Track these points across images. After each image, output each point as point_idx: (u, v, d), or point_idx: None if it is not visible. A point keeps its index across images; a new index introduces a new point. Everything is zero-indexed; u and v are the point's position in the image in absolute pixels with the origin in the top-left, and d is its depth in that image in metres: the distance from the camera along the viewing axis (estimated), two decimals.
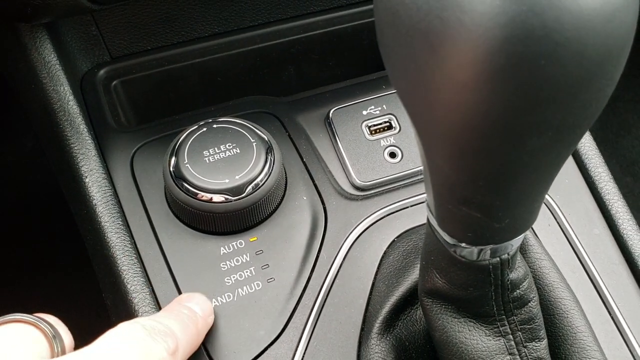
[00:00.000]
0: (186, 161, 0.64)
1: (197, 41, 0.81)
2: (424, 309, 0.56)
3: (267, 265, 0.65)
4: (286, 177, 0.70)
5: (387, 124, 0.74)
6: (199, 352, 0.60)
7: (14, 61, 0.74)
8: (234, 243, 0.65)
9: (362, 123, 0.73)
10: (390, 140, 0.73)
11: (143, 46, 0.79)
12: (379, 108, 0.74)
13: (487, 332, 0.53)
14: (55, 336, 0.50)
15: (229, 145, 0.66)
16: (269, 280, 0.64)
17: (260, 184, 0.64)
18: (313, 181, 0.70)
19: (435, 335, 0.55)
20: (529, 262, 0.62)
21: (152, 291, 0.63)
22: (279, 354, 0.61)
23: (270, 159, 0.66)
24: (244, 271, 0.64)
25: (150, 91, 0.80)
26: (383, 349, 0.59)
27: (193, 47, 0.81)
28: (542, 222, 0.70)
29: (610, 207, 0.72)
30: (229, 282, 0.64)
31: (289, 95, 0.78)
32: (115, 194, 0.68)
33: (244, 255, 0.65)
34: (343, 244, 0.67)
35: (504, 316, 0.53)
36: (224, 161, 0.65)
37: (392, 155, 0.72)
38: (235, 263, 0.65)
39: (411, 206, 0.70)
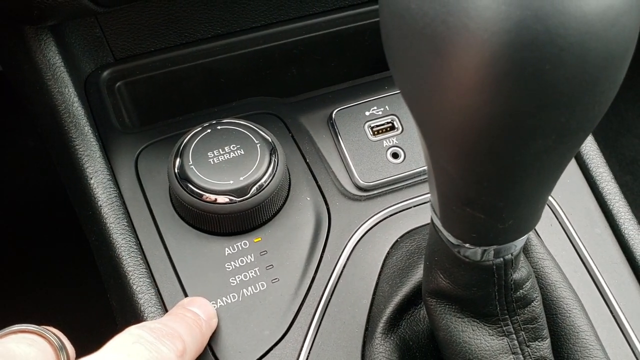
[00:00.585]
0: (191, 162, 0.65)
1: (200, 42, 0.81)
2: (428, 308, 0.56)
3: (271, 265, 0.65)
4: (290, 178, 0.70)
5: (390, 124, 0.75)
6: (204, 353, 0.60)
7: (18, 63, 0.74)
8: (238, 244, 0.66)
9: (364, 124, 0.74)
10: (393, 141, 0.73)
11: (146, 47, 0.80)
12: (382, 109, 0.75)
13: (490, 331, 0.54)
14: (62, 347, 0.51)
15: (233, 147, 0.66)
16: (273, 281, 0.65)
17: (265, 185, 0.65)
18: (316, 182, 0.71)
19: (439, 334, 0.56)
20: (532, 261, 0.63)
21: (158, 292, 0.64)
22: (284, 354, 0.62)
23: (274, 160, 0.66)
24: (249, 271, 0.65)
25: (153, 92, 0.80)
26: (387, 348, 0.60)
27: (196, 49, 0.81)
28: (545, 222, 0.70)
29: (611, 206, 0.72)
30: (233, 283, 0.64)
31: (292, 96, 0.78)
32: (120, 195, 0.68)
33: (249, 256, 0.66)
34: (347, 244, 0.67)
35: (507, 316, 0.53)
36: (228, 162, 0.65)
37: (395, 155, 0.73)
38: (240, 263, 0.65)
39: (414, 206, 0.70)
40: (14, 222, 1.43)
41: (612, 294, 0.67)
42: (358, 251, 0.67)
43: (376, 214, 0.69)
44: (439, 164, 0.44)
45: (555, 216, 0.71)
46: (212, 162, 0.65)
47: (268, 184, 0.65)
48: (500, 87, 0.35)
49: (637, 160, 1.54)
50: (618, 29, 0.35)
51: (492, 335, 0.54)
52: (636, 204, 1.47)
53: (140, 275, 0.64)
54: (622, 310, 0.67)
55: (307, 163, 0.72)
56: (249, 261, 0.65)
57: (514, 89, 0.35)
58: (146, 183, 0.69)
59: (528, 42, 0.33)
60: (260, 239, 0.66)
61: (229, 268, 0.65)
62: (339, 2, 0.85)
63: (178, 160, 0.65)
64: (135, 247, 0.65)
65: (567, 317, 0.60)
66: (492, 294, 0.52)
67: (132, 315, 0.64)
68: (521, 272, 0.52)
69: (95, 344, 0.51)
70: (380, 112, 0.75)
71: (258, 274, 0.65)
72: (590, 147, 0.76)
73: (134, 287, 0.63)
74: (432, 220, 0.52)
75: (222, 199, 0.64)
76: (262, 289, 0.64)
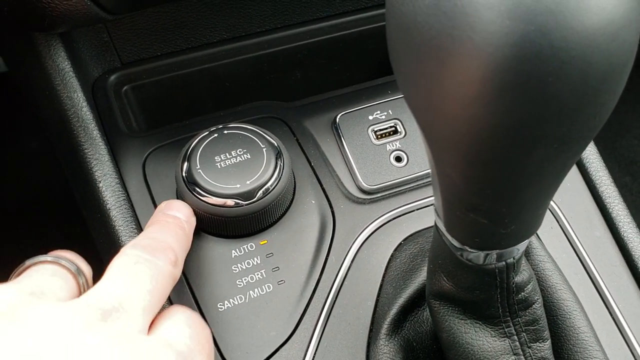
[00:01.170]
0: (198, 166, 0.66)
1: (206, 47, 0.82)
2: (432, 310, 0.57)
3: (277, 267, 0.67)
4: (295, 182, 0.71)
5: (393, 128, 0.76)
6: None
7: (28, 68, 0.75)
8: (245, 246, 0.67)
9: (368, 128, 0.75)
10: (396, 145, 0.75)
11: (153, 52, 0.81)
12: (385, 113, 0.76)
13: (492, 333, 0.55)
14: (79, 271, 0.53)
15: (240, 151, 0.67)
16: (279, 283, 0.66)
17: (271, 188, 0.66)
18: (321, 185, 0.72)
19: (442, 336, 0.57)
20: (533, 264, 0.64)
21: None
22: (290, 355, 0.63)
23: (280, 165, 0.67)
24: (255, 273, 0.66)
25: (160, 96, 0.81)
26: (391, 349, 0.61)
27: (202, 53, 0.82)
28: (545, 225, 0.71)
29: (610, 210, 0.73)
30: (240, 285, 0.65)
31: (296, 100, 0.79)
32: (128, 198, 0.70)
33: (255, 258, 0.67)
34: (351, 246, 0.68)
35: (509, 318, 0.55)
36: (235, 166, 0.66)
37: (398, 159, 0.74)
38: (247, 265, 0.66)
39: (417, 209, 0.71)
40: (14, 222, 1.44)
41: (611, 296, 0.68)
42: (362, 253, 0.68)
43: (380, 216, 0.71)
44: (444, 170, 0.45)
45: (556, 219, 0.72)
46: (219, 166, 0.66)
47: (274, 187, 0.66)
48: (504, 98, 0.36)
49: (637, 162, 1.55)
50: (618, 42, 0.36)
51: (494, 336, 0.55)
52: (635, 204, 1.49)
53: None
54: (621, 312, 0.68)
55: (311, 167, 0.73)
56: (255, 263, 0.67)
57: (518, 100, 0.36)
58: (154, 186, 0.71)
59: (532, 55, 0.35)
60: (266, 241, 0.68)
61: (235, 270, 0.66)
62: (343, 6, 0.86)
63: (186, 164, 0.66)
64: None
65: (568, 319, 0.61)
66: (495, 297, 0.53)
67: None
68: (523, 275, 0.54)
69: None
70: (383, 116, 0.76)
71: (264, 275, 0.66)
72: (590, 151, 0.77)
73: None
74: (435, 224, 0.53)
75: (229, 202, 0.65)
76: (268, 290, 0.65)
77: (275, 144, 0.68)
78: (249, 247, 0.67)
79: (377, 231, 0.70)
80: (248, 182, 0.66)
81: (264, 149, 0.68)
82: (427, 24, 0.37)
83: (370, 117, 0.76)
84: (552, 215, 0.72)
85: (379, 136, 0.75)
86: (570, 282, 0.64)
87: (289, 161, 0.69)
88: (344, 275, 0.67)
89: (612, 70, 0.37)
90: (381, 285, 0.66)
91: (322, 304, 0.65)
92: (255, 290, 0.65)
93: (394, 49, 0.41)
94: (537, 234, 0.70)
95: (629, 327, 0.67)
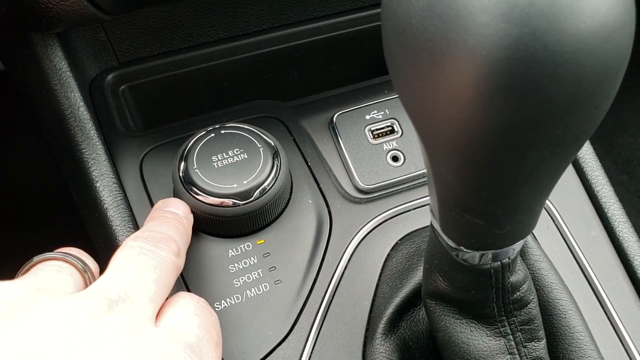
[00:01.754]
0: (195, 166, 0.66)
1: (203, 46, 0.82)
2: (427, 310, 0.58)
3: (274, 267, 0.67)
4: (292, 181, 0.71)
5: (390, 128, 0.76)
6: None
7: (25, 68, 0.75)
8: (241, 246, 0.67)
9: (365, 127, 0.75)
10: (393, 144, 0.75)
11: (150, 51, 0.81)
12: (382, 112, 0.76)
13: (488, 332, 0.55)
14: (85, 268, 0.53)
15: (237, 151, 0.67)
16: (276, 282, 0.66)
17: (268, 188, 0.66)
18: (318, 185, 0.72)
19: (438, 335, 0.57)
20: (528, 264, 0.64)
21: None
22: (286, 354, 0.63)
23: (277, 164, 0.67)
24: (252, 273, 0.66)
25: (157, 95, 0.81)
26: (387, 348, 0.61)
27: (199, 52, 0.82)
28: (541, 225, 0.71)
29: (606, 209, 0.74)
30: (237, 284, 0.66)
31: (293, 99, 0.79)
32: (126, 198, 0.70)
33: (252, 258, 0.67)
34: (348, 246, 0.69)
35: (504, 317, 0.55)
36: (232, 166, 0.66)
37: (395, 158, 0.74)
38: (244, 265, 0.66)
39: (414, 209, 0.71)
40: (14, 222, 1.44)
41: (606, 295, 0.69)
42: (359, 253, 0.69)
43: (376, 216, 0.71)
44: (439, 172, 0.45)
45: (552, 218, 0.72)
46: (216, 166, 0.66)
47: (271, 187, 0.66)
48: (498, 101, 0.36)
49: (633, 160, 1.56)
50: (612, 45, 0.36)
51: (490, 336, 0.55)
52: (632, 203, 1.49)
53: None
54: (616, 312, 0.68)
55: (308, 166, 0.73)
56: (252, 263, 0.67)
57: (512, 103, 0.36)
58: (151, 186, 0.71)
59: (526, 58, 0.35)
60: (263, 241, 0.68)
61: (232, 270, 0.66)
62: (339, 6, 0.86)
63: (183, 164, 0.67)
64: None
65: (563, 318, 0.61)
66: (490, 297, 0.54)
67: None
68: (518, 275, 0.54)
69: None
70: (380, 116, 0.76)
71: (261, 275, 0.66)
72: (586, 151, 0.77)
73: None
74: (431, 224, 0.53)
75: (226, 202, 0.65)
76: (265, 290, 0.66)
77: (272, 144, 0.69)
78: (245, 246, 0.67)
79: (374, 230, 0.70)
80: (245, 182, 0.66)
81: (261, 149, 0.68)
82: (422, 27, 0.37)
83: (367, 117, 0.76)
84: (547, 214, 0.72)
85: (376, 136, 0.75)
86: (565, 281, 0.64)
87: (286, 161, 0.69)
88: (341, 274, 0.67)
89: (606, 72, 0.37)
90: (377, 285, 0.66)
91: (318, 303, 0.65)
92: (252, 289, 0.66)
93: (389, 51, 0.42)
94: (532, 233, 0.70)
95: (624, 326, 0.67)
